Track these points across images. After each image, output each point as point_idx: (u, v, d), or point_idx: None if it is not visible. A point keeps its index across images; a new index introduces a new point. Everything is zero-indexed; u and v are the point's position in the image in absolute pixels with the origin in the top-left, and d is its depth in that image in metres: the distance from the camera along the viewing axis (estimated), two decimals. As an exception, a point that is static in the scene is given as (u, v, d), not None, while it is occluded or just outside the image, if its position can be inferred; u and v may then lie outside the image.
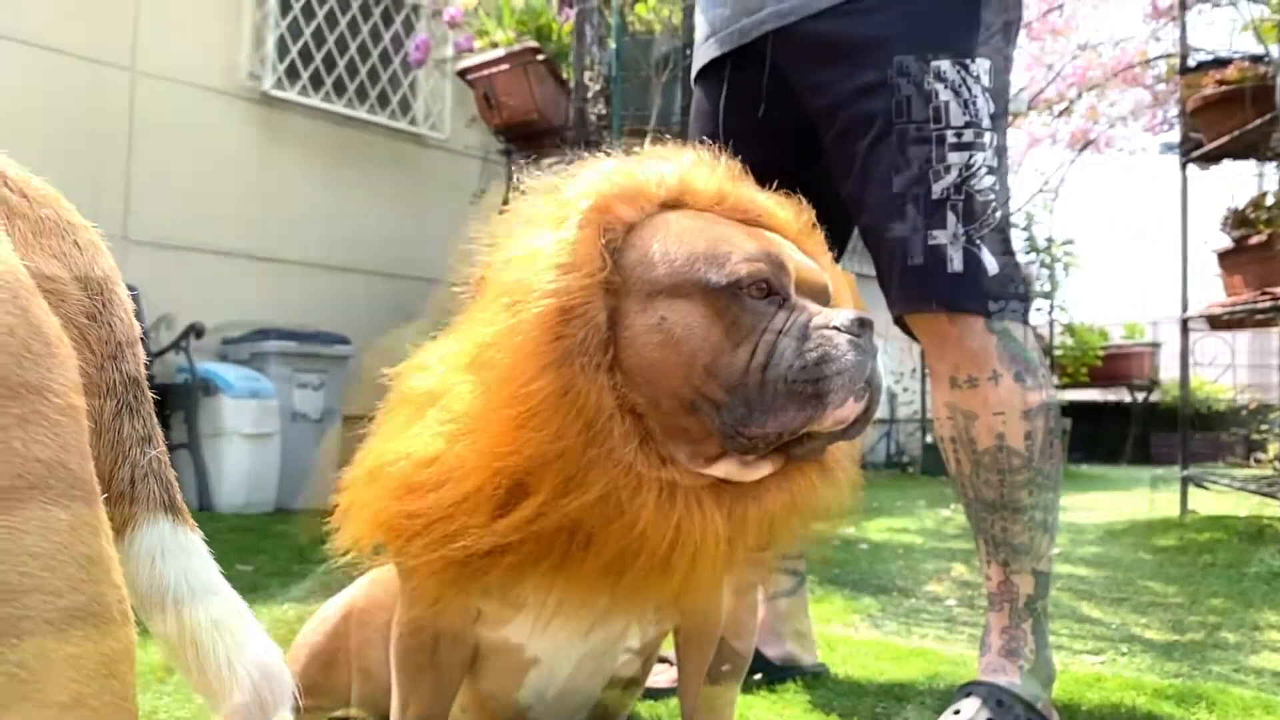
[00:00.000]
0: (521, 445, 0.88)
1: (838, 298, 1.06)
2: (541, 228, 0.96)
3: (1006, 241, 1.49)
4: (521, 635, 1.08)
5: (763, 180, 1.09)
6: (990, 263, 1.46)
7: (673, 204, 1.01)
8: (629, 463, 0.89)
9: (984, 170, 1.47)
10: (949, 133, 1.46)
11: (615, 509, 0.88)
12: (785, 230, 1.05)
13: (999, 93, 1.51)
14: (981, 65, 1.49)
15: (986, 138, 1.48)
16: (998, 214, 1.47)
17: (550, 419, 0.88)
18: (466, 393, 0.92)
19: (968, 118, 1.47)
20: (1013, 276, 1.49)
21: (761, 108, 1.64)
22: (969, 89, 1.47)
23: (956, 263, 1.45)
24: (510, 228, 0.99)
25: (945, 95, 1.47)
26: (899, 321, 1.56)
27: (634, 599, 0.96)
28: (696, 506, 0.91)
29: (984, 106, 1.48)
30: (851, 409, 0.91)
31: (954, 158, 1.46)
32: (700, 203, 1.02)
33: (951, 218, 1.46)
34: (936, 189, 1.46)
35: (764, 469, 0.96)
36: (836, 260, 1.81)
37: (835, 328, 0.91)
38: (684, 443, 0.93)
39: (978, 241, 1.46)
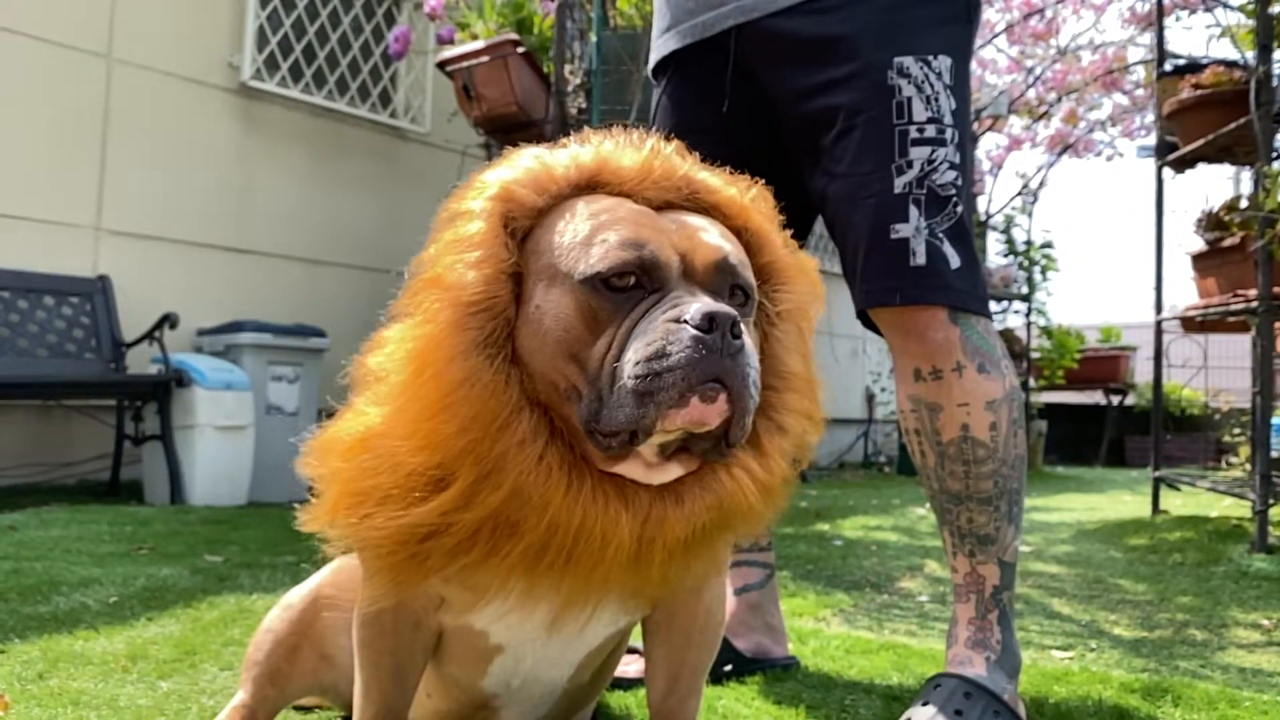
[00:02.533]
0: (431, 438, 0.89)
1: (791, 281, 1.04)
2: (455, 220, 0.97)
3: (968, 235, 1.50)
4: (485, 622, 1.07)
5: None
6: (953, 256, 1.47)
7: (588, 187, 1.00)
8: (538, 455, 0.89)
9: (946, 165, 1.48)
10: (911, 128, 1.47)
11: (527, 501, 0.89)
12: (727, 207, 1.04)
13: (961, 88, 1.52)
14: (944, 62, 1.50)
15: (949, 133, 1.49)
16: (960, 208, 1.48)
17: (457, 411, 0.88)
18: (392, 383, 0.93)
19: (930, 113, 1.48)
20: (975, 270, 1.50)
21: (725, 102, 1.64)
22: (931, 85, 1.49)
23: (919, 256, 1.46)
24: (441, 221, 1.00)
25: (908, 91, 1.48)
26: (862, 315, 1.56)
27: (558, 591, 0.95)
28: (603, 503, 0.90)
29: (946, 103, 1.49)
30: (700, 410, 0.86)
31: (916, 153, 1.47)
32: (621, 184, 1.00)
33: (914, 211, 1.47)
34: (898, 183, 1.47)
35: (672, 470, 0.93)
36: None
37: (684, 321, 0.86)
38: (581, 438, 0.92)
39: (940, 235, 1.47)
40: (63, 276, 4.56)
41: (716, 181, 1.05)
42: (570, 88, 4.06)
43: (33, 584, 2.32)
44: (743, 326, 0.88)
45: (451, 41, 4.46)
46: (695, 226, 0.97)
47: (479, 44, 4.16)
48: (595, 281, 0.90)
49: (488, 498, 0.89)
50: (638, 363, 0.86)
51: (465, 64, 4.14)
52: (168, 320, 4.41)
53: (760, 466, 0.97)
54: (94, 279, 4.66)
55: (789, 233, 1.10)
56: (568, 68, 4.05)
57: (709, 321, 0.85)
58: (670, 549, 0.93)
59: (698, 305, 0.87)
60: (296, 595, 1.33)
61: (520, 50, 4.07)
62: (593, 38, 4.05)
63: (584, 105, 4.02)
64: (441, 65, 4.33)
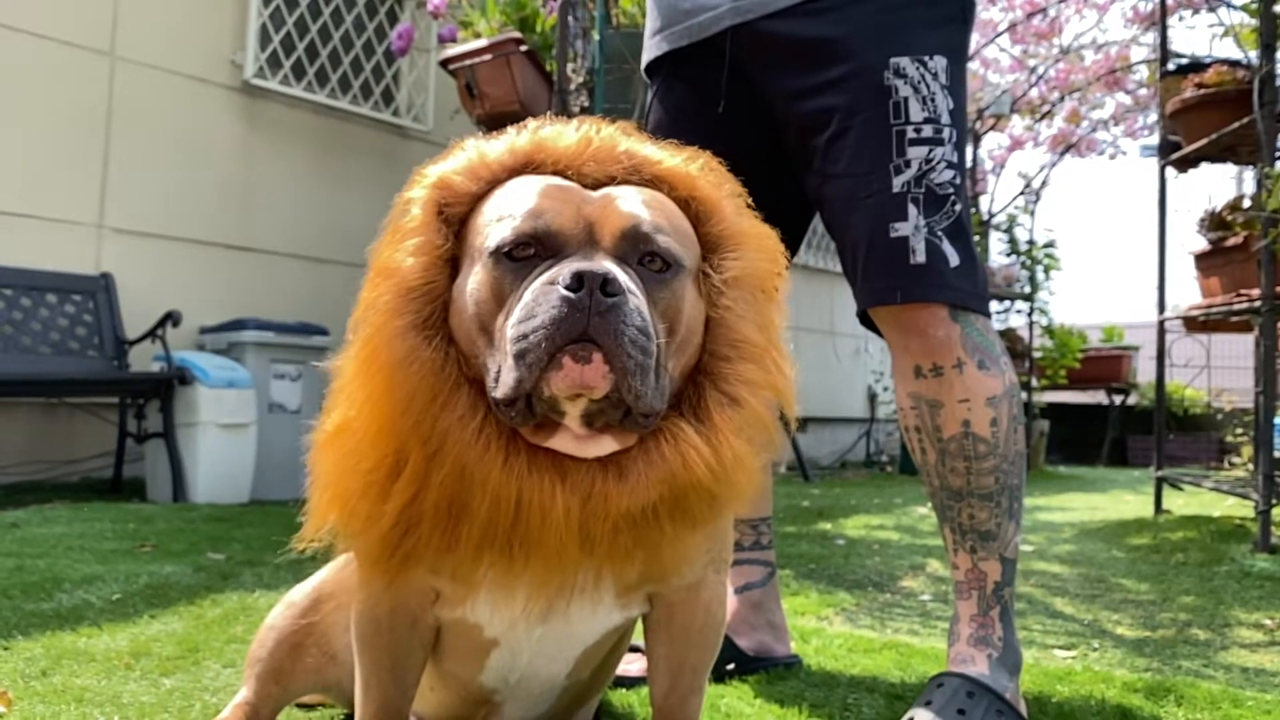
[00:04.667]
0: (383, 424, 0.92)
1: (742, 247, 1.02)
2: (397, 209, 1.02)
3: (967, 234, 1.50)
4: (478, 616, 1.08)
5: None
6: (952, 254, 1.48)
7: (524, 170, 1.02)
8: (477, 429, 0.91)
9: (943, 164, 1.49)
10: (909, 128, 1.48)
11: (470, 477, 0.90)
12: (671, 178, 1.04)
13: (957, 88, 1.53)
14: (939, 62, 1.51)
15: (945, 133, 1.50)
16: (958, 207, 1.49)
17: (398, 390, 0.91)
18: (349, 375, 0.97)
19: (926, 113, 1.49)
20: (974, 268, 1.51)
21: (720, 103, 1.64)
22: (927, 85, 1.49)
23: (919, 254, 1.47)
24: (393, 213, 1.04)
25: (905, 91, 1.49)
26: (862, 316, 1.57)
27: (523, 571, 0.94)
28: (537, 476, 0.91)
29: (943, 102, 1.50)
30: (578, 372, 0.85)
31: (914, 152, 1.48)
32: (556, 163, 1.02)
33: (913, 210, 1.48)
34: (897, 183, 1.48)
35: (605, 443, 0.93)
36: (791, 254, 1.83)
37: (554, 283, 0.87)
38: None
39: (939, 233, 1.48)
40: (66, 274, 4.56)
41: (659, 154, 1.06)
42: (573, 86, 4.06)
43: (36, 581, 2.33)
44: (626, 283, 0.88)
45: (454, 40, 4.46)
46: (615, 196, 0.98)
47: (482, 42, 4.15)
48: (498, 254, 0.92)
49: (433, 476, 0.90)
50: (513, 326, 0.87)
51: (468, 62, 4.13)
52: (170, 318, 4.41)
53: (708, 440, 0.94)
54: (97, 277, 4.67)
55: (746, 198, 1.09)
56: (570, 66, 4.05)
57: (577, 280, 0.85)
58: (618, 526, 0.92)
59: (571, 266, 0.87)
60: (299, 593, 1.33)
61: (523, 48, 4.07)
62: (595, 36, 4.04)
63: (587, 103, 4.01)
64: (444, 63, 4.33)
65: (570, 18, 4.02)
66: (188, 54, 5.12)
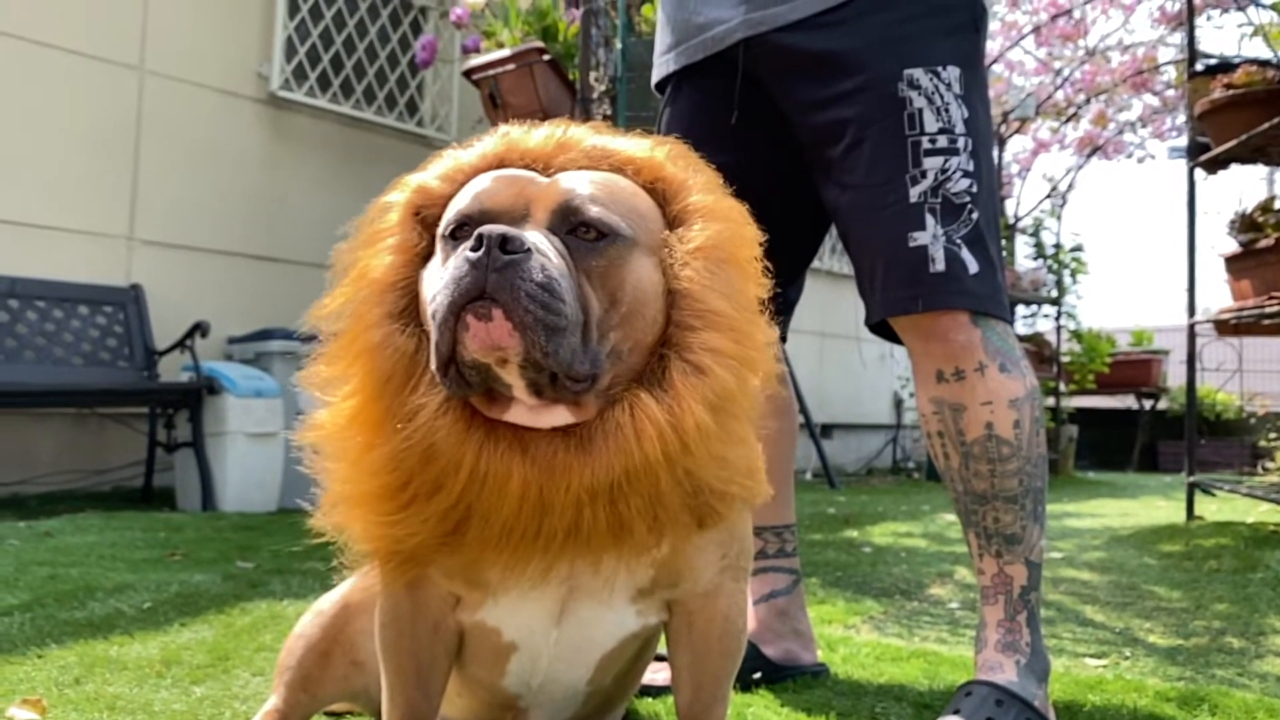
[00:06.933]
0: (363, 410, 0.96)
1: (706, 219, 1.02)
2: (374, 212, 1.07)
3: (984, 242, 1.50)
4: (496, 619, 1.09)
5: (735, 184, 1.09)
6: (971, 262, 1.48)
7: (495, 169, 1.05)
8: (441, 405, 0.94)
9: (959, 174, 1.49)
10: (924, 139, 1.49)
11: (437, 450, 0.93)
12: (636, 163, 1.05)
13: (972, 97, 1.53)
14: (953, 72, 1.51)
15: (960, 142, 1.50)
16: (975, 215, 1.49)
17: (375, 374, 0.96)
18: (335, 371, 1.02)
19: (941, 124, 1.49)
20: (993, 275, 1.51)
21: (734, 113, 1.65)
22: (941, 96, 1.50)
23: (939, 262, 1.47)
24: (366, 218, 1.09)
25: (919, 103, 1.49)
26: (881, 325, 1.56)
27: (501, 552, 0.95)
28: (492, 447, 0.93)
29: (958, 112, 1.51)
30: (484, 330, 0.86)
31: (929, 163, 1.49)
32: (522, 159, 1.04)
33: (930, 219, 1.48)
34: (913, 193, 1.48)
35: (558, 413, 0.93)
36: (807, 262, 1.84)
37: (464, 249, 0.89)
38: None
39: (958, 241, 1.48)
40: (96, 286, 4.62)
41: (625, 143, 1.07)
42: (595, 94, 4.07)
43: (69, 590, 2.36)
44: (534, 243, 0.89)
45: (477, 50, 4.49)
46: (560, 177, 1.00)
47: (505, 52, 4.18)
48: (445, 237, 0.97)
49: (404, 452, 0.93)
50: (431, 293, 0.91)
51: (491, 72, 4.16)
52: (199, 328, 4.46)
53: (668, 408, 0.92)
54: (127, 288, 4.73)
55: (717, 179, 1.10)
56: (593, 75, 4.06)
57: (478, 241, 0.88)
58: (580, 499, 0.92)
59: (479, 230, 0.89)
60: (327, 601, 1.34)
61: (546, 58, 4.09)
62: (618, 44, 4.06)
63: (609, 111, 4.02)
64: (468, 73, 4.35)
65: (593, 27, 4.04)
66: (214, 67, 5.18)
